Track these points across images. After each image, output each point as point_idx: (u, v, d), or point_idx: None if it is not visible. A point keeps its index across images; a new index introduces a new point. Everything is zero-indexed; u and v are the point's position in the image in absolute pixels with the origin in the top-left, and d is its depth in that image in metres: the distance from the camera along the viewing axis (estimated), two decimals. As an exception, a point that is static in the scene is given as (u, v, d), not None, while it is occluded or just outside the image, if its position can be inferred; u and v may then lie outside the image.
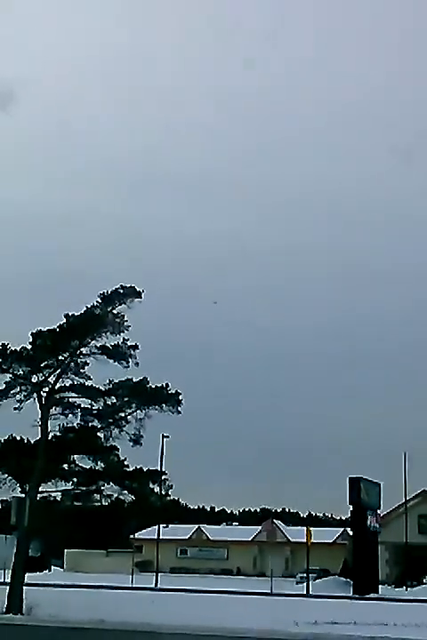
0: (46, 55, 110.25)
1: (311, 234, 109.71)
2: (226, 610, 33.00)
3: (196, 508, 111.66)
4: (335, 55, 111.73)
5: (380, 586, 57.05)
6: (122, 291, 30.80)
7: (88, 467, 31.51)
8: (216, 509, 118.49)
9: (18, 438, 32.79)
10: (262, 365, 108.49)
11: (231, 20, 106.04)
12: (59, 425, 31.19)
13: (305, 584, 55.41)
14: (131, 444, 31.16)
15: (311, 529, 59.64)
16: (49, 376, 30.97)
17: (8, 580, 30.34)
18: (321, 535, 71.02)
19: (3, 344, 30.87)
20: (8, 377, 30.84)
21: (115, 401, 31.19)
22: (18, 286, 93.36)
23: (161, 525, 65.96)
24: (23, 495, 30.86)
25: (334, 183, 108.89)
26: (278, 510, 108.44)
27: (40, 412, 30.61)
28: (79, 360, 31.17)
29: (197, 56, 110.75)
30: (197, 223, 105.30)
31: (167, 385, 31.22)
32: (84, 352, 31.18)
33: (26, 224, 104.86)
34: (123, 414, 31.09)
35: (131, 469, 31.93)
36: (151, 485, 32.72)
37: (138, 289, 30.90)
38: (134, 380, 31.11)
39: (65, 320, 31.01)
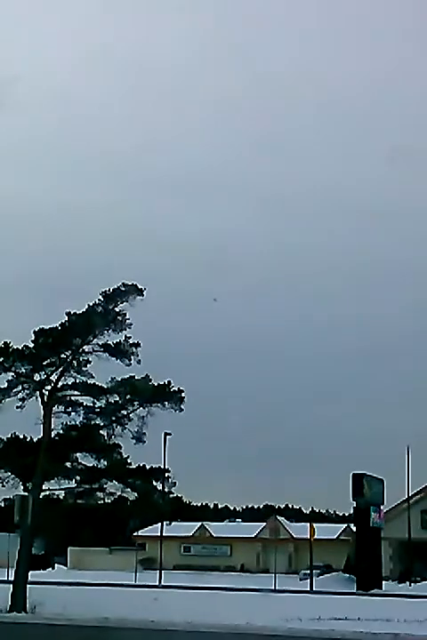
0: (46, 52, 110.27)
1: (311, 232, 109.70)
2: (230, 607, 33.00)
3: (199, 505, 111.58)
4: (337, 51, 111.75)
5: (383, 582, 57.06)
6: (124, 288, 30.79)
7: (91, 465, 31.54)
8: (219, 506, 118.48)
9: (20, 437, 32.84)
10: (265, 362, 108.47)
11: (231, 19, 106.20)
12: (61, 423, 31.24)
13: (309, 580, 55.39)
14: (133, 441, 31.19)
15: (315, 525, 59.55)
16: (51, 374, 30.98)
17: (12, 579, 30.37)
18: (324, 531, 70.91)
19: (5, 342, 30.88)
20: (10, 375, 30.86)
21: (117, 399, 31.19)
22: (19, 284, 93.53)
23: (164, 523, 65.85)
24: (26, 493, 30.89)
25: (334, 182, 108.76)
26: (281, 507, 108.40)
27: (42, 410, 30.63)
28: (81, 358, 31.17)
29: (198, 53, 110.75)
30: (197, 220, 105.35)
31: (170, 382, 31.23)
32: (86, 350, 31.19)
33: (27, 222, 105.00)
34: (125, 412, 31.09)
35: (134, 467, 31.95)
36: (154, 483, 32.74)
37: (140, 286, 30.90)
38: (137, 378, 31.11)
39: (67, 318, 31.02)
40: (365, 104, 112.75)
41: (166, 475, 33.41)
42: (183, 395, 31.22)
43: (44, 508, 32.05)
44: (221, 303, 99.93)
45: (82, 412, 31.32)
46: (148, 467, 32.48)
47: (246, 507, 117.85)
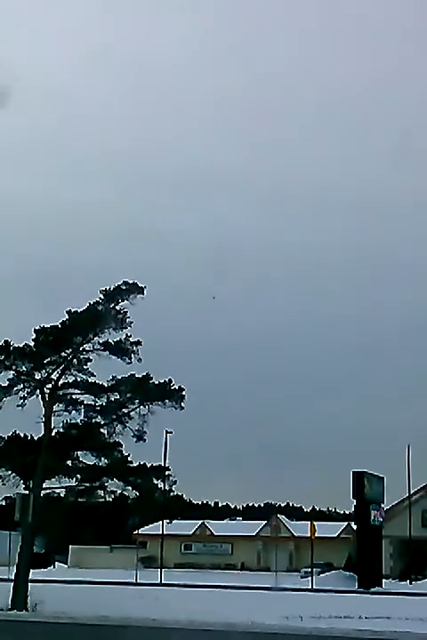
0: (46, 52, 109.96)
1: (311, 230, 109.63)
2: (230, 605, 33.03)
3: (199, 503, 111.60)
4: (337, 51, 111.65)
5: (384, 580, 57.13)
6: (124, 287, 30.80)
7: (92, 463, 31.55)
8: (220, 505, 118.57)
9: (21, 435, 32.83)
10: (266, 359, 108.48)
11: (231, 19, 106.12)
12: (62, 421, 31.26)
13: (309, 578, 55.43)
14: (134, 439, 31.21)
15: (315, 523, 59.57)
16: (52, 372, 31.00)
17: (13, 577, 30.37)
18: (325, 529, 70.88)
19: (5, 341, 30.90)
20: (11, 374, 30.88)
21: (118, 397, 31.21)
22: (20, 283, 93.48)
23: (165, 521, 65.93)
24: (27, 492, 30.91)
25: (333, 182, 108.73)
26: (282, 505, 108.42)
27: (43, 408, 30.64)
28: (82, 356, 31.18)
29: (198, 53, 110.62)
30: (197, 220, 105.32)
31: (170, 380, 31.24)
32: (86, 348, 31.21)
33: (27, 220, 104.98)
34: (126, 410, 31.11)
35: (134, 465, 31.95)
36: (155, 481, 32.75)
37: (140, 285, 30.92)
38: (137, 376, 31.13)
39: (67, 316, 31.03)
40: (365, 104, 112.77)
41: (167, 473, 33.43)
42: (184, 393, 31.25)
43: (45, 506, 32.10)
44: (222, 301, 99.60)
45: (83, 410, 31.36)
46: (148, 465, 32.49)
47: (247, 505, 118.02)
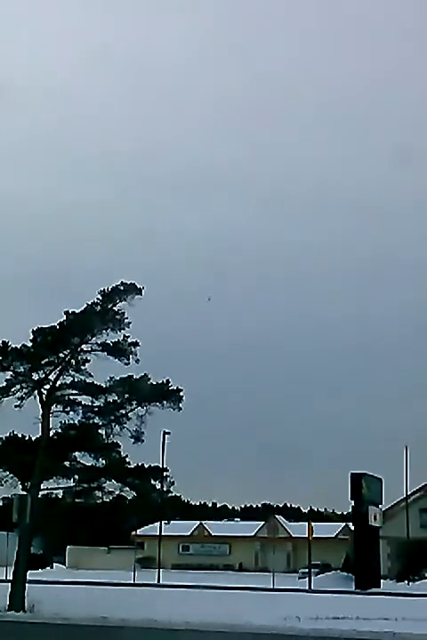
0: (46, 52, 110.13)
1: (310, 230, 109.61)
2: (228, 606, 33.02)
3: (197, 504, 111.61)
4: (337, 51, 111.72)
5: (382, 580, 57.12)
6: (122, 287, 30.78)
7: (89, 464, 31.53)
8: (218, 505, 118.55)
9: (19, 436, 32.82)
10: (264, 360, 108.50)
11: (231, 19, 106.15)
12: (60, 422, 31.24)
13: (307, 579, 55.46)
14: (132, 440, 31.20)
15: (313, 524, 59.61)
16: (50, 373, 30.98)
17: (10, 578, 30.35)
18: (323, 530, 70.99)
19: (3, 341, 30.88)
20: (9, 374, 30.85)
21: (116, 398, 31.20)
22: (18, 283, 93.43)
23: (163, 522, 65.96)
24: (25, 493, 30.89)
25: (333, 182, 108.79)
26: (280, 506, 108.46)
27: (41, 409, 30.63)
28: (80, 357, 31.17)
29: (198, 53, 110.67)
30: (197, 219, 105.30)
31: (168, 381, 31.24)
32: (84, 349, 31.19)
33: (26, 220, 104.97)
34: (124, 411, 31.10)
35: (132, 466, 31.95)
36: (153, 482, 32.74)
37: (138, 285, 30.90)
38: (135, 377, 31.12)
39: (65, 317, 31.01)
40: (365, 104, 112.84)
41: (165, 474, 33.42)
42: (182, 394, 31.24)
43: (43, 507, 32.10)
44: (221, 301, 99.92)
45: (80, 411, 31.33)
46: (146, 466, 32.49)
47: (245, 506, 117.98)
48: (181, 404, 31.25)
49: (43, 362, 30.90)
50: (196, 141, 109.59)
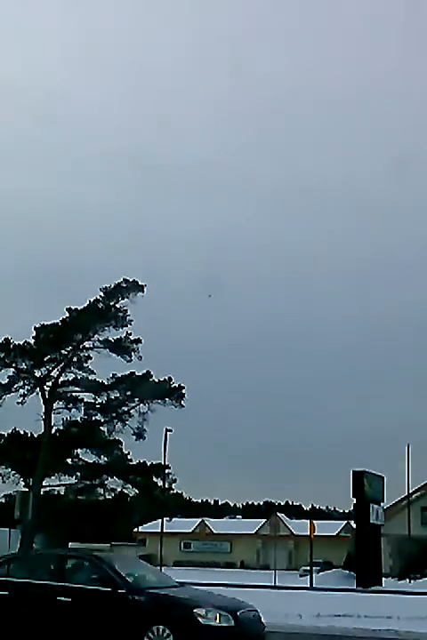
0: (46, 52, 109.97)
1: (312, 229, 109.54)
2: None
3: (199, 501, 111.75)
4: (339, 47, 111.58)
5: (383, 579, 57.06)
6: (124, 285, 30.84)
7: (92, 461, 31.68)
8: (220, 503, 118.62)
9: (21, 432, 32.90)
10: (265, 357, 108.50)
11: (232, 18, 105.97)
12: (62, 419, 31.38)
13: (308, 577, 55.40)
14: (134, 437, 31.32)
15: (315, 522, 59.53)
16: (52, 370, 31.07)
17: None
18: (324, 528, 70.89)
19: (6, 338, 30.96)
20: (11, 371, 30.98)
21: (118, 395, 31.28)
22: (21, 281, 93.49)
23: (165, 519, 66.06)
24: (27, 489, 30.95)
25: (333, 181, 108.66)
26: (281, 503, 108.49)
27: (43, 406, 30.70)
28: (82, 354, 31.25)
29: (199, 51, 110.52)
30: (197, 219, 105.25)
31: (170, 379, 31.29)
32: (87, 346, 31.28)
33: (28, 218, 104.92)
34: (126, 408, 31.18)
35: (134, 463, 32.02)
36: (155, 479, 32.82)
37: (140, 283, 30.94)
38: (137, 374, 31.15)
39: (68, 314, 31.06)
40: (365, 104, 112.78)
41: (167, 471, 33.52)
42: (184, 391, 31.35)
43: (45, 504, 32.13)
44: (222, 299, 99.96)
45: (83, 407, 31.45)
46: (148, 463, 32.60)
47: (247, 503, 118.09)
48: (183, 402, 31.32)
49: (45, 359, 30.98)
50: (196, 141, 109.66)
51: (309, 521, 60.17)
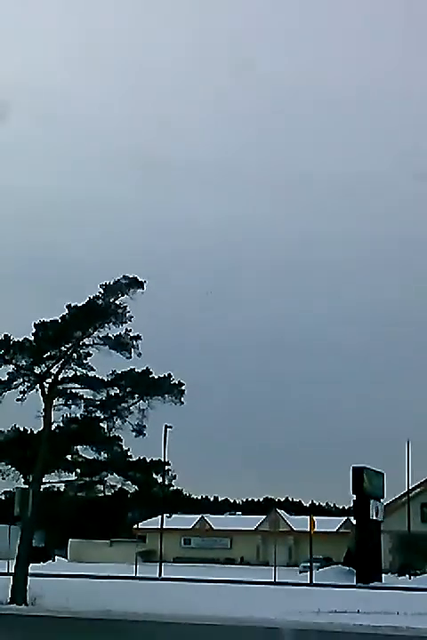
0: (46, 52, 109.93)
1: (311, 229, 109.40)
2: (229, 599, 33.07)
3: (199, 497, 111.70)
4: (339, 47, 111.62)
5: (383, 574, 57.18)
6: (124, 281, 30.76)
7: (91, 457, 31.57)
8: (220, 499, 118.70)
9: (21, 429, 32.86)
10: (265, 354, 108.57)
11: (232, 18, 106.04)
12: (62, 416, 31.26)
13: (308, 573, 55.48)
14: (134, 434, 31.20)
15: (314, 518, 59.57)
16: (52, 367, 30.98)
17: (12, 571, 30.40)
18: (324, 524, 70.98)
19: (5, 335, 30.88)
20: (11, 368, 30.85)
21: (118, 391, 31.20)
22: (20, 277, 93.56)
23: (164, 515, 66.06)
24: (27, 486, 30.93)
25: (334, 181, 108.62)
26: (281, 499, 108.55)
27: (43, 402, 30.64)
28: (82, 351, 31.16)
29: (199, 51, 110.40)
30: (197, 219, 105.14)
31: (170, 375, 31.23)
32: (86, 343, 31.17)
33: (28, 214, 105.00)
34: (126, 405, 31.09)
35: (134, 460, 31.98)
36: (155, 475, 32.79)
37: (140, 279, 30.88)
38: (137, 371, 31.12)
39: (67, 311, 31.00)
40: (365, 104, 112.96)
41: (166, 467, 33.49)
42: (183, 387, 31.24)
43: (45, 500, 32.10)
44: (223, 296, 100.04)
45: (82, 404, 31.35)
46: (148, 459, 32.54)
47: (246, 499, 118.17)
48: (182, 398, 31.26)
49: (45, 355, 30.91)
50: (196, 141, 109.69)
51: (309, 517, 60.21)
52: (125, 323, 30.96)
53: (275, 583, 50.21)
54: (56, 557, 77.14)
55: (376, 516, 58.35)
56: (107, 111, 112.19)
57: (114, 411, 31.17)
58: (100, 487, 33.11)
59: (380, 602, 31.99)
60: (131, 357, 31.25)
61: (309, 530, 57.25)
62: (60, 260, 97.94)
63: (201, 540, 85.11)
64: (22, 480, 31.75)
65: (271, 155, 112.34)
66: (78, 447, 31.67)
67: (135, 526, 79.20)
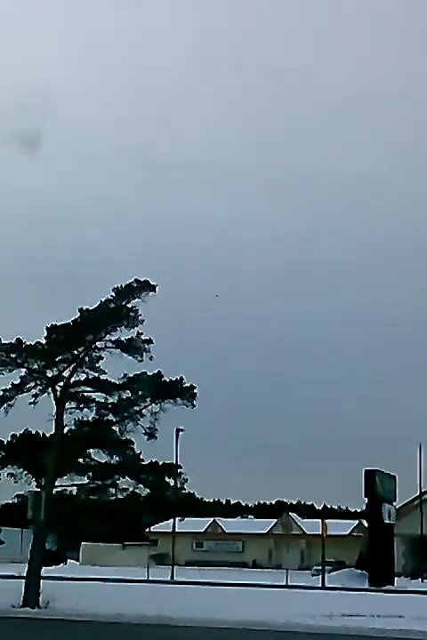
0: (47, 52, 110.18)
1: (312, 228, 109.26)
2: (242, 603, 33.04)
3: (211, 501, 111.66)
4: (339, 47, 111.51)
5: (395, 578, 57.00)
6: (136, 284, 30.78)
7: (103, 461, 31.61)
8: (232, 502, 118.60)
9: (33, 433, 32.93)
10: (277, 357, 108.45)
11: (232, 18, 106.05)
12: (74, 419, 31.30)
13: (321, 576, 55.40)
14: (146, 437, 31.22)
15: (327, 521, 59.56)
16: (64, 370, 31.02)
17: (25, 574, 30.45)
18: (336, 527, 70.92)
19: (18, 338, 30.95)
20: (23, 371, 30.93)
21: (129, 395, 31.22)
22: (20, 277, 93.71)
23: (177, 518, 66.05)
24: (39, 490, 30.99)
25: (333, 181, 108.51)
26: (294, 503, 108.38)
27: (55, 406, 30.68)
28: (94, 354, 31.20)
29: (199, 51, 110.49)
30: (196, 219, 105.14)
31: (182, 378, 31.23)
32: (98, 346, 31.22)
33: (28, 214, 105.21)
34: (138, 408, 31.11)
35: (146, 463, 32.00)
36: (167, 479, 32.78)
37: (152, 282, 30.90)
38: (149, 374, 31.13)
39: (79, 314, 31.05)
40: (365, 104, 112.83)
41: (178, 471, 33.47)
42: (195, 391, 31.24)
43: (57, 504, 32.13)
44: (223, 296, 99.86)
45: (94, 407, 31.39)
46: (160, 463, 32.54)
47: (259, 503, 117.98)
48: (194, 401, 31.26)
49: (57, 359, 30.96)
50: (195, 141, 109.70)
51: (321, 520, 60.25)
52: (137, 326, 31.00)
53: (287, 586, 50.17)
54: (68, 561, 77.27)
55: (389, 519, 58.20)
56: (107, 111, 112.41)
57: (126, 414, 31.19)
58: (113, 490, 33.12)
59: (392, 605, 31.91)
60: (142, 360, 31.28)
61: (321, 533, 57.25)
62: (60, 260, 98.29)
63: (213, 544, 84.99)
64: (35, 483, 31.83)
65: (271, 155, 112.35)
66: (90, 450, 31.70)
67: (147, 530, 79.16)
